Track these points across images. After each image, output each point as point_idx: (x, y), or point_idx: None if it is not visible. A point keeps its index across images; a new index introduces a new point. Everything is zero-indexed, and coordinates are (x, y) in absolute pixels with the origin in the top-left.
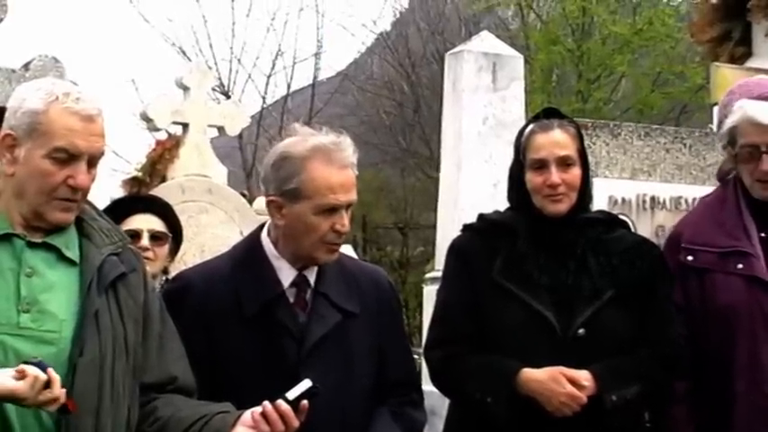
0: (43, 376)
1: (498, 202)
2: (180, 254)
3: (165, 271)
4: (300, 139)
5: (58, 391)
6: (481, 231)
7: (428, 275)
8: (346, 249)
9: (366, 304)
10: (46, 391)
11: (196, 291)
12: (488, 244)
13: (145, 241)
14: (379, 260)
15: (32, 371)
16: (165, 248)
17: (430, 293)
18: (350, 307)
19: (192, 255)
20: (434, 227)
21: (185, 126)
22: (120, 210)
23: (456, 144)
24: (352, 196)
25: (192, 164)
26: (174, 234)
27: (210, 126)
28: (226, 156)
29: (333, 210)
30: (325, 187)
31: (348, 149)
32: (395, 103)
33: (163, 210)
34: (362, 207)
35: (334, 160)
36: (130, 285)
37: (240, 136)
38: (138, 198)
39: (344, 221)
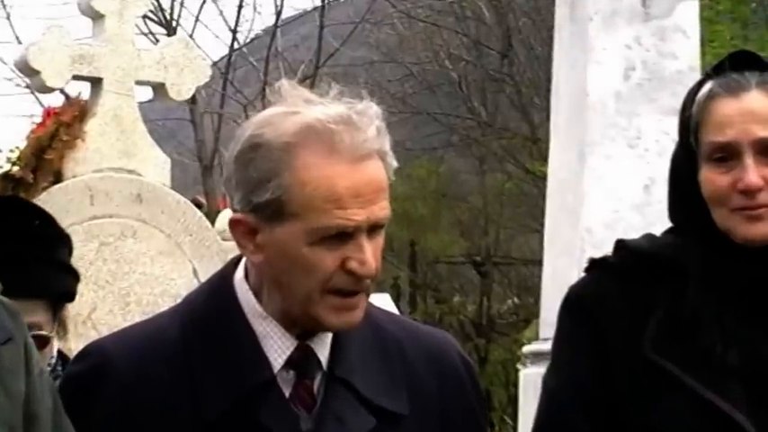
0: None
1: (652, 217)
2: (88, 309)
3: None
4: (284, 112)
5: None
6: (622, 271)
7: (527, 349)
8: (382, 300)
9: (421, 397)
10: None
11: (119, 376)
12: (635, 293)
13: None
14: (439, 320)
15: None
16: (51, 346)
17: (530, 380)
18: (391, 404)
19: (107, 311)
20: (538, 262)
21: (96, 83)
22: None
23: (577, 115)
24: (380, 212)
25: (107, 150)
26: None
27: (140, 83)
28: (169, 135)
29: (343, 236)
30: (324, 197)
31: (368, 128)
32: (467, 41)
33: (43, 271)
34: (410, 226)
35: (339, 148)
36: (1, 367)
37: (193, 100)
38: None
39: (366, 256)
